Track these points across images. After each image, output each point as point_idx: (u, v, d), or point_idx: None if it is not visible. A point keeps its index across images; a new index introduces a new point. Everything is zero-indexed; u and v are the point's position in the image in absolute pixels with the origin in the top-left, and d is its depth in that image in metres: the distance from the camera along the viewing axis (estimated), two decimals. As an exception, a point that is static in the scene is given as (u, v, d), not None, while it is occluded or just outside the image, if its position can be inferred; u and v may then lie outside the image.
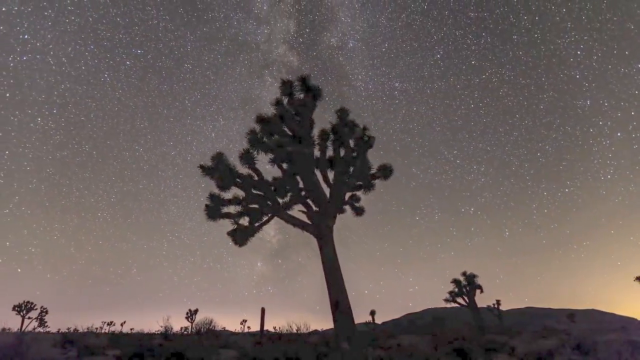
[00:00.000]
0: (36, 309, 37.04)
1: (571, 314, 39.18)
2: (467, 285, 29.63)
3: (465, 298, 29.62)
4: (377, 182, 11.54)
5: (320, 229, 10.17)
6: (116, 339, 10.35)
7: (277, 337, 12.92)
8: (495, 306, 33.21)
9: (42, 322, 38.22)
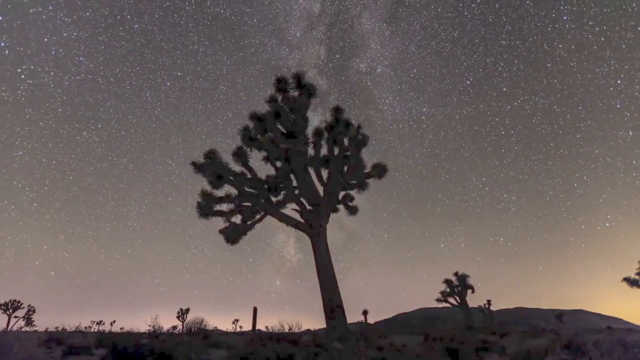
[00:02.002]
0: (23, 307, 36.28)
1: (560, 314, 39.69)
2: (459, 286, 29.85)
3: (457, 298, 29.83)
4: (372, 182, 11.51)
5: (314, 228, 10.11)
6: (104, 338, 10.16)
7: (270, 337, 12.83)
8: (486, 306, 33.51)
9: (29, 321, 37.43)
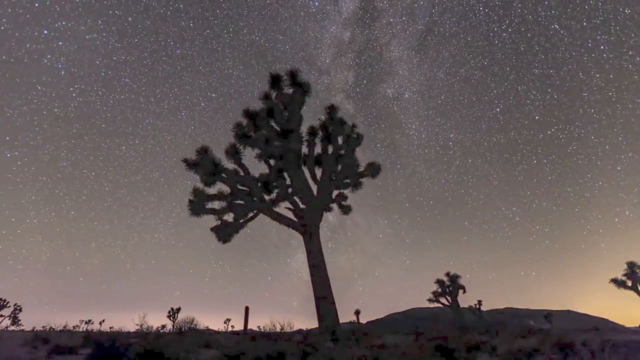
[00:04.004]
0: (9, 306, 35.50)
1: (548, 314, 40.26)
2: (450, 286, 30.04)
3: (448, 298, 30.03)
4: (366, 180, 11.48)
5: (307, 227, 10.04)
6: (90, 337, 9.95)
7: (262, 337, 12.72)
8: (477, 306, 33.83)
9: (15, 320, 36.64)
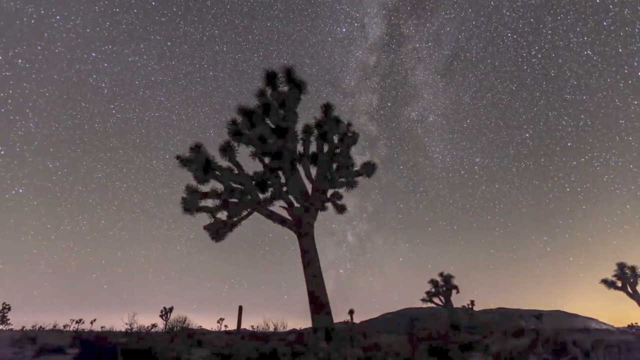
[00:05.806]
0: (-3, 305, 34.82)
1: (539, 314, 40.67)
2: (444, 286, 30.19)
3: (442, 298, 30.17)
4: (361, 180, 11.45)
5: (301, 226, 9.97)
6: (79, 337, 9.79)
7: (255, 336, 12.62)
8: (470, 306, 34.08)
9: (3, 319, 35.98)
